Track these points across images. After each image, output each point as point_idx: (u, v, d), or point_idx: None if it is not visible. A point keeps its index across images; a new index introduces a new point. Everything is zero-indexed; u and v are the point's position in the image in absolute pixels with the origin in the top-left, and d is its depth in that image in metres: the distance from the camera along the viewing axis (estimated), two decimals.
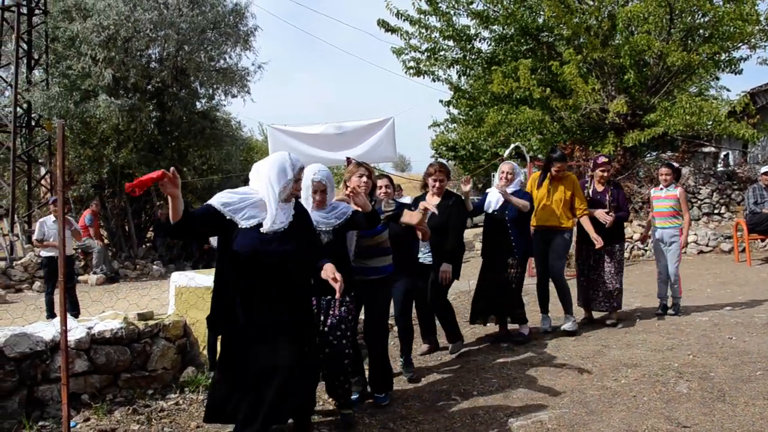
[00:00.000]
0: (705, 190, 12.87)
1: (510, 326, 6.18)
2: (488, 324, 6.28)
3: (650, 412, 4.04)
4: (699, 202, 12.86)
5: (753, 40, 13.10)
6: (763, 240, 11.18)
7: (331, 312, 4.04)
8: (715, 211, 12.79)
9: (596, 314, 6.73)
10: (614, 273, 6.41)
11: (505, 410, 4.24)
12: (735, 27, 12.47)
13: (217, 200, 3.33)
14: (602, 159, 6.60)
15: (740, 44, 13.31)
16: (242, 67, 16.19)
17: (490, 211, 6.01)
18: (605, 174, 6.49)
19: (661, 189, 6.86)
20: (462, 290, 8.22)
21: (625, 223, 7.43)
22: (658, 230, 6.86)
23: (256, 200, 3.37)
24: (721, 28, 12.69)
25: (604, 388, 4.54)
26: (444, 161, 4.78)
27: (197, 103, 16.08)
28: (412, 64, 15.56)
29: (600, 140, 13.88)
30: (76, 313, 7.35)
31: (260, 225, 3.31)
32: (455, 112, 17.32)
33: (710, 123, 12.18)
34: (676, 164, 7.58)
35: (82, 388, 4.25)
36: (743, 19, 12.25)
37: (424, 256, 5.63)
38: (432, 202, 5.03)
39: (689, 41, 13.46)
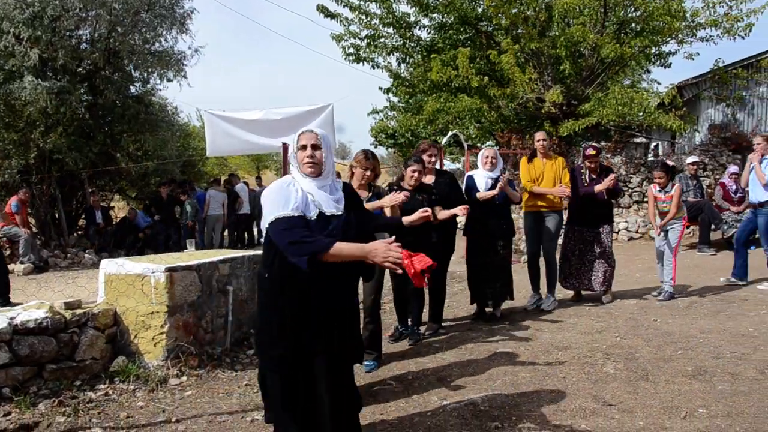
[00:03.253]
0: (635, 179, 13.32)
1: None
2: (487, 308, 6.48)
3: (578, 392, 4.18)
4: (630, 190, 13.30)
5: (680, 35, 13.60)
6: (688, 227, 11.67)
7: None
8: (645, 199, 13.25)
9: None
10: (604, 254, 6.77)
11: (439, 393, 4.30)
12: (664, 22, 12.91)
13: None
14: (590, 151, 6.89)
15: (669, 39, 13.80)
16: (178, 51, 15.72)
17: (478, 194, 6.15)
18: (593, 165, 6.82)
19: (660, 191, 7.11)
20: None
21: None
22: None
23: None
24: (652, 22, 13.11)
25: (536, 370, 4.67)
26: (372, 150, 4.93)
27: (131, 87, 15.56)
28: (351, 50, 15.45)
29: (536, 129, 14.15)
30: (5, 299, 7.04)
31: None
32: (395, 99, 17.34)
33: (641, 114, 12.61)
34: (670, 163, 8.04)
35: (3, 381, 4.07)
36: (671, 15, 12.71)
37: None
38: (428, 180, 5.75)
39: (622, 34, 13.86)
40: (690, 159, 11.69)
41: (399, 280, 5.40)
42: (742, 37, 13.32)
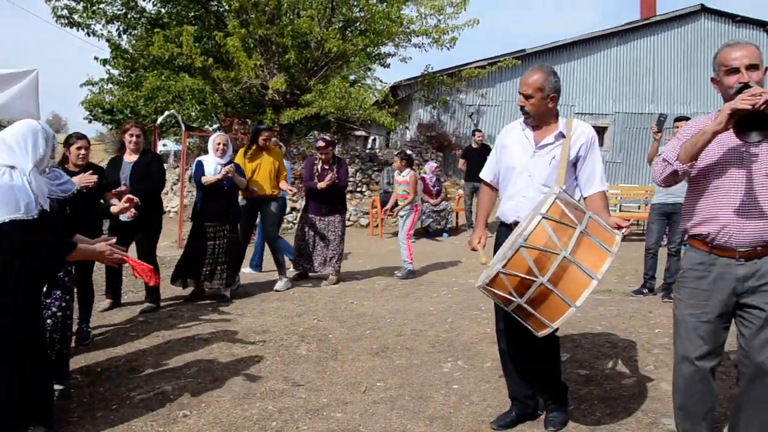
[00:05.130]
0: (351, 170, 14.13)
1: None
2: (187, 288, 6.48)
3: (271, 374, 4.28)
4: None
5: (397, 39, 14.77)
6: (392, 216, 12.72)
7: None
8: (358, 189, 14.13)
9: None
10: (334, 240, 7.28)
11: (129, 384, 4.08)
12: (384, 26, 13.89)
13: None
14: (320, 143, 7.35)
15: (387, 41, 14.90)
16: None
17: (206, 180, 6.25)
18: (324, 156, 7.26)
19: (399, 174, 8.12)
20: None
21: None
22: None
23: None
24: (374, 24, 13.99)
25: (232, 355, 4.67)
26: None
27: None
28: (64, 12, 13.79)
29: (259, 115, 14.22)
30: None
31: None
32: (115, 72, 15.99)
33: (358, 109, 13.39)
34: (409, 152, 9.01)
35: None
36: (390, 19, 13.74)
37: None
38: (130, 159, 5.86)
39: (347, 32, 14.56)
40: (396, 153, 12.72)
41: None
42: (448, 49, 14.95)
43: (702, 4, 17.45)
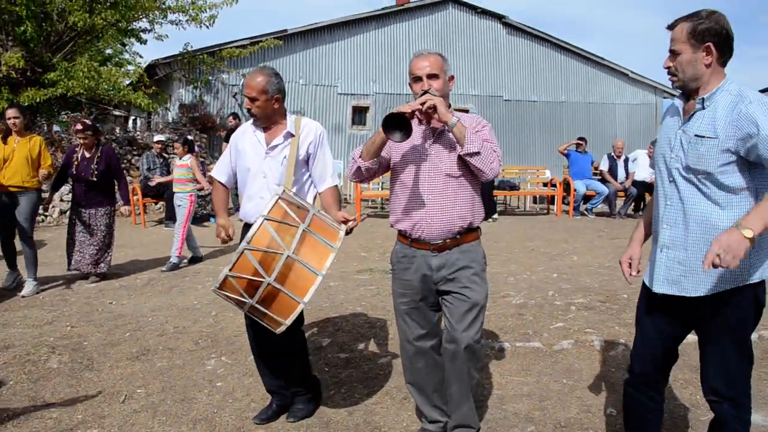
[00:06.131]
0: None
1: None
2: None
3: (15, 396, 3.94)
4: None
5: (152, 15, 13.98)
6: (156, 203, 12.19)
7: None
8: None
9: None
10: (98, 234, 6.86)
11: None
12: (137, 0, 13.05)
13: None
14: (77, 126, 6.88)
15: (141, 17, 14.03)
16: None
17: None
18: (85, 141, 6.79)
19: (180, 159, 8.19)
20: None
21: None
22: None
23: None
24: None
25: None
26: None
27: None
28: None
29: None
30: None
31: None
32: None
33: (111, 90, 12.49)
34: (190, 137, 9.30)
35: None
36: None
37: None
38: None
39: (95, 4, 13.39)
40: (156, 138, 12.16)
41: None
42: (207, 27, 14.51)
43: None
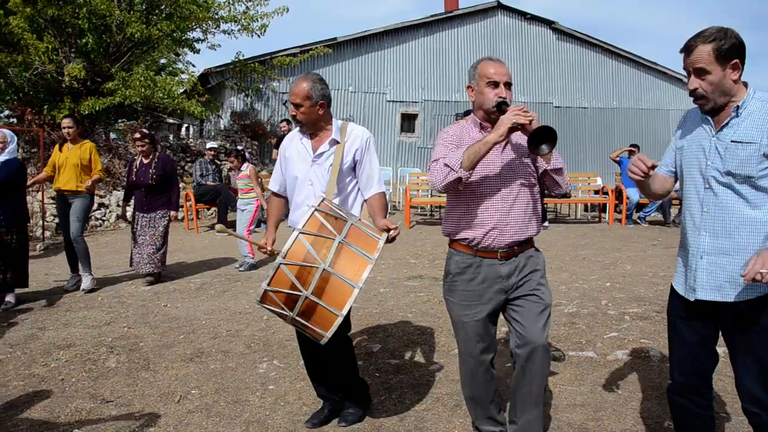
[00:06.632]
0: None
1: None
2: None
3: (77, 393, 4.07)
4: None
5: (205, 25, 14.33)
6: (209, 209, 12.45)
7: None
8: None
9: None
10: (156, 236, 7.12)
11: None
12: (190, 10, 13.40)
13: None
14: (136, 135, 7.26)
15: (195, 27, 14.39)
16: None
17: None
18: (143, 148, 7.14)
19: (239, 171, 8.38)
20: None
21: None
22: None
23: None
24: (180, 9, 13.43)
25: (31, 375, 4.36)
26: None
27: None
28: None
29: (56, 104, 13.09)
30: None
31: None
32: None
33: (166, 98, 12.82)
34: (240, 147, 9.24)
35: None
36: (197, 4, 13.29)
37: None
38: None
39: (151, 16, 13.81)
40: (209, 144, 12.42)
41: None
42: (258, 36, 14.79)
43: (498, 1, 18.82)
